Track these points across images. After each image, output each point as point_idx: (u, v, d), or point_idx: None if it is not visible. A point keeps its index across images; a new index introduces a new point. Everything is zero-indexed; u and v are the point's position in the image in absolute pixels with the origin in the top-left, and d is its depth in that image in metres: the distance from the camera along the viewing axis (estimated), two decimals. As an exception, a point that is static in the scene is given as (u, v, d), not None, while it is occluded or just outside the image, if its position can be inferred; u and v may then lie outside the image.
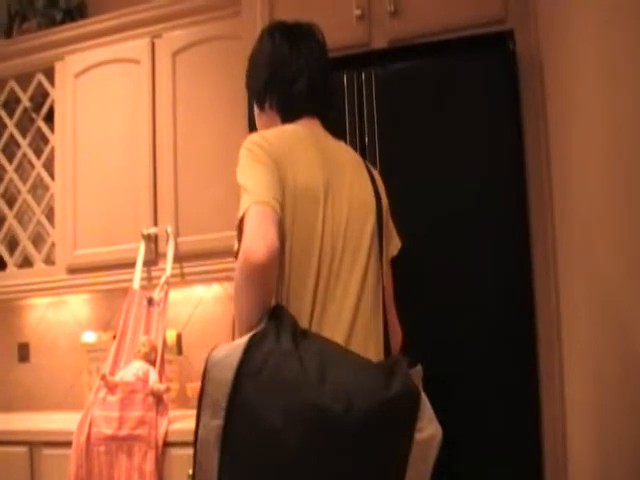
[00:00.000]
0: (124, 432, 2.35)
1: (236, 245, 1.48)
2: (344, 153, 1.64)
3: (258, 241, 1.33)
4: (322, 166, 1.54)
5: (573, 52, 1.59)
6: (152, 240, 2.75)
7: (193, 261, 2.70)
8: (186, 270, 2.71)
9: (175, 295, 2.84)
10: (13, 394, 3.32)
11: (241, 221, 1.40)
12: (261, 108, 1.71)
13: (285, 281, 1.46)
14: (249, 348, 1.29)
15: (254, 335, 1.31)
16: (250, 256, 1.31)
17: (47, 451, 2.51)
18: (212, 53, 2.75)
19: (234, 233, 2.50)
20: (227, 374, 1.27)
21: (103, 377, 2.43)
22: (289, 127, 1.60)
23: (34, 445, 2.54)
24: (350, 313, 1.48)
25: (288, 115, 1.65)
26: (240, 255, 1.35)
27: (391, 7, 2.16)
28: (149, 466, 2.30)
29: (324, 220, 1.49)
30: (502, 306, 1.96)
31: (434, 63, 2.10)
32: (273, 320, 1.36)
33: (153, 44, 2.85)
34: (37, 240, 3.13)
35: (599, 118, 1.36)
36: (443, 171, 1.96)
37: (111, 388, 2.42)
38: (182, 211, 2.73)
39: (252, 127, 2.26)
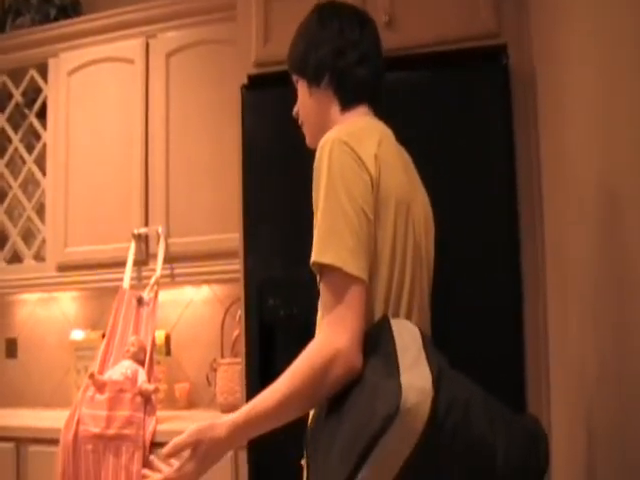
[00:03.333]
0: (112, 431, 2.36)
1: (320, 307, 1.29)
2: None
3: (358, 346, 1.17)
4: (405, 169, 1.41)
5: (568, 66, 1.60)
6: (143, 240, 2.76)
7: (183, 262, 2.71)
8: (176, 271, 2.72)
9: (165, 296, 2.84)
10: (0, 390, 3.33)
11: (318, 264, 1.22)
12: (315, 86, 1.50)
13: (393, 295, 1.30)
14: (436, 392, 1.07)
15: (437, 374, 1.09)
16: (349, 363, 1.16)
17: (34, 448, 2.53)
18: (206, 56, 2.76)
19: (225, 236, 2.59)
20: (418, 424, 1.04)
21: (91, 376, 2.44)
22: (372, 122, 1.43)
23: (21, 442, 2.55)
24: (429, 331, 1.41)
25: (349, 99, 1.47)
26: (327, 349, 1.17)
27: (385, 18, 2.16)
28: (136, 466, 2.32)
29: (414, 231, 1.35)
30: (491, 327, 1.98)
31: (427, 75, 2.12)
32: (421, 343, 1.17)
33: (147, 44, 2.85)
34: (27, 236, 3.13)
35: (594, 132, 1.36)
36: (432, 183, 1.97)
37: (99, 387, 2.43)
38: (173, 212, 2.74)
39: (246, 130, 2.28)
